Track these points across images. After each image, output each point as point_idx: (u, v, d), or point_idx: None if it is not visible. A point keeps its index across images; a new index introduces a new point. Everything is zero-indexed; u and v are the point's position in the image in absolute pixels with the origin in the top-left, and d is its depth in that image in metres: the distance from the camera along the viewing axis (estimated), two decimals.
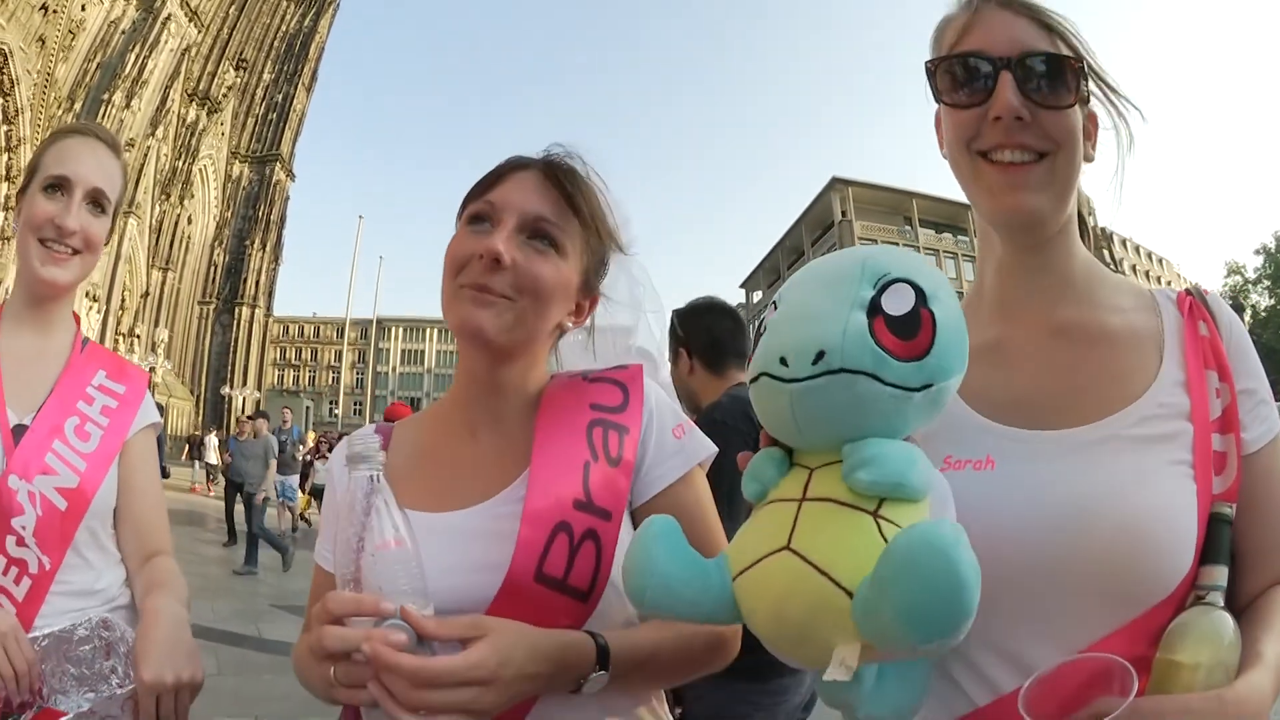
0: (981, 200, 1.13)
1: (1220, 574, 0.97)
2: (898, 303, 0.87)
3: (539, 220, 1.17)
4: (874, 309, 0.86)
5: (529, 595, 1.08)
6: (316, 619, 0.99)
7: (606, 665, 1.06)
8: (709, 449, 1.28)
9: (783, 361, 0.87)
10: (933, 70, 1.15)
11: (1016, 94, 1.06)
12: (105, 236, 1.65)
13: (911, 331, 0.86)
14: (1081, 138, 1.10)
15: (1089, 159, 1.14)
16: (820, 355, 0.85)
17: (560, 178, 1.19)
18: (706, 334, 2.95)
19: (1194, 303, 1.13)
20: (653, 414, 1.24)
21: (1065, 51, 1.09)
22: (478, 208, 1.19)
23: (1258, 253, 52.48)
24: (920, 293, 0.88)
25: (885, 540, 0.80)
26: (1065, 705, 0.88)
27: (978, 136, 1.10)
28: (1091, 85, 1.11)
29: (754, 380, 0.92)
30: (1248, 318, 47.40)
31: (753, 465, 0.97)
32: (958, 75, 1.12)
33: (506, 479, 1.19)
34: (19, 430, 1.52)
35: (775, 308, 0.94)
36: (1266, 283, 51.52)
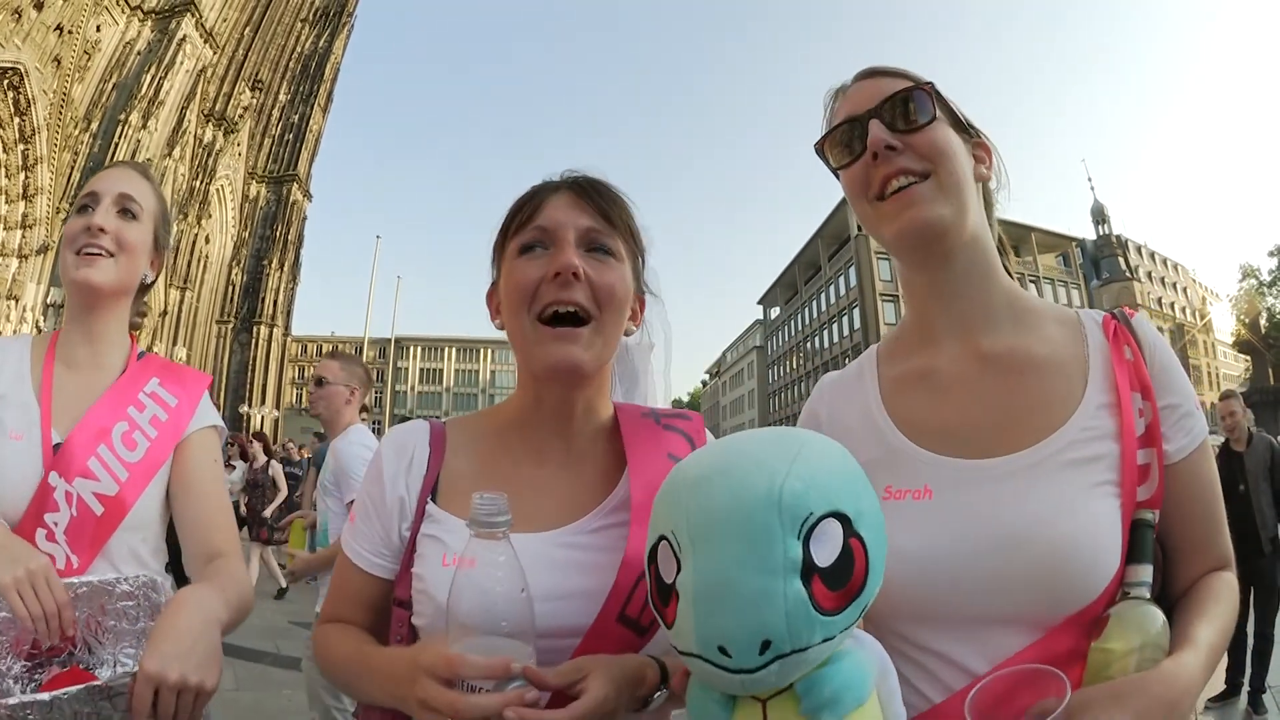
0: (885, 231, 1.22)
1: (1145, 572, 1.06)
2: (828, 548, 0.84)
3: (591, 232, 1.21)
4: (807, 569, 0.82)
5: (610, 633, 1.13)
6: (429, 673, 0.98)
7: (667, 684, 1.12)
8: None
9: (723, 651, 0.83)
10: (821, 148, 1.30)
11: (883, 130, 1.20)
12: (143, 244, 1.69)
13: (846, 574, 0.84)
14: (958, 153, 1.21)
15: (982, 178, 1.26)
16: (766, 644, 0.81)
17: (592, 191, 1.24)
18: None
19: (1119, 327, 1.21)
20: None
21: (904, 87, 1.22)
22: (529, 237, 1.21)
23: (1272, 254, 51.69)
24: (845, 521, 0.85)
25: None
26: (1008, 710, 0.96)
27: (869, 183, 1.22)
28: (954, 110, 1.25)
29: (688, 656, 0.87)
30: (1264, 319, 46.54)
31: (698, 708, 0.94)
32: (839, 140, 1.26)
33: (579, 508, 1.23)
34: (57, 449, 1.53)
35: (678, 557, 0.88)
36: None
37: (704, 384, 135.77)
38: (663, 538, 0.91)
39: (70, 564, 1.47)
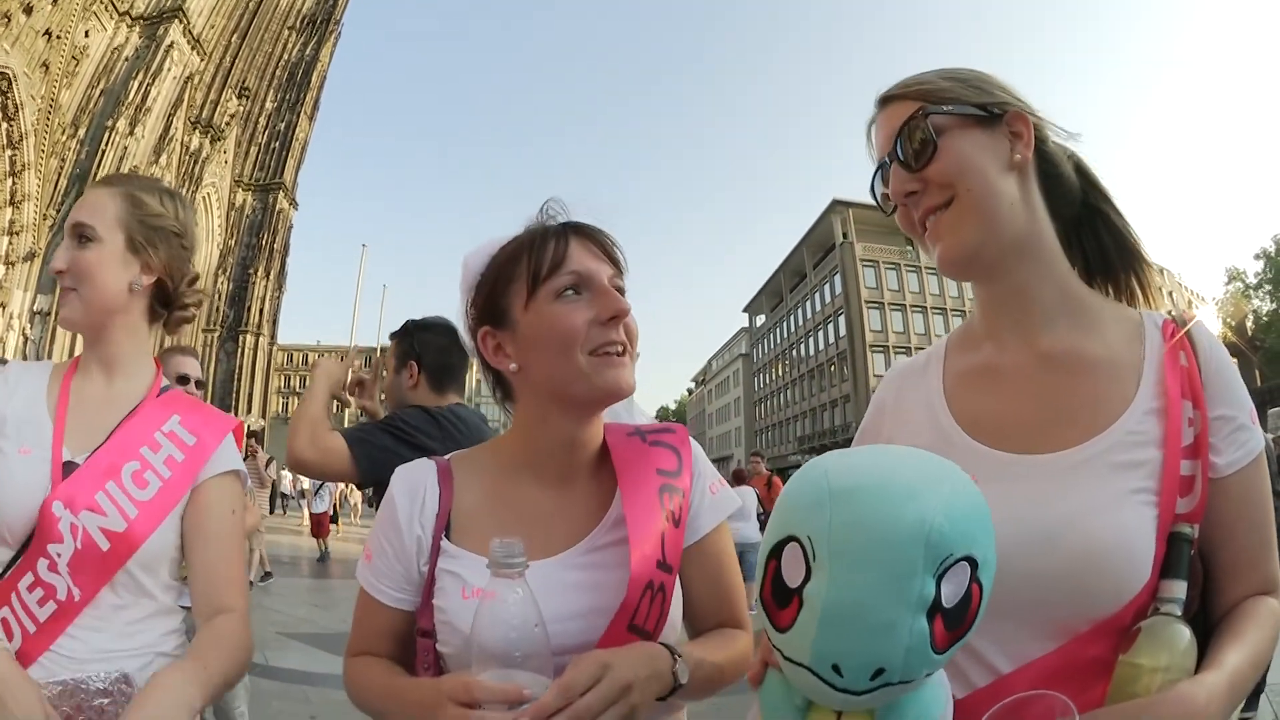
0: (933, 258, 1.24)
1: (1179, 588, 1.05)
2: (955, 589, 0.84)
3: (615, 278, 1.31)
4: (934, 607, 0.83)
5: (620, 641, 1.20)
6: (450, 698, 1.07)
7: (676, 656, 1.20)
8: (734, 503, 1.43)
9: (835, 670, 0.84)
10: (873, 193, 1.31)
11: (900, 176, 1.22)
12: (107, 260, 1.60)
13: (963, 617, 0.86)
14: (973, 163, 1.18)
15: (1018, 166, 1.20)
16: (879, 672, 0.83)
17: (602, 240, 1.33)
18: (440, 355, 3.00)
19: (1176, 331, 1.19)
20: (697, 475, 1.39)
21: (910, 111, 1.20)
22: (567, 280, 1.27)
23: (1258, 257, 52.45)
24: (974, 564, 0.86)
25: None
26: None
27: (911, 223, 1.24)
28: (960, 109, 1.20)
29: (794, 664, 0.89)
30: (1250, 322, 47.26)
31: (774, 707, 0.99)
32: (879, 183, 1.28)
33: (582, 529, 1.31)
34: (69, 467, 1.49)
35: (809, 564, 0.88)
36: (1268, 287, 51.28)
37: (689, 392, 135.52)
38: (793, 539, 0.89)
39: (71, 595, 1.43)
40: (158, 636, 1.52)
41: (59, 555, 1.43)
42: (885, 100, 1.26)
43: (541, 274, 1.27)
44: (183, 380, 3.71)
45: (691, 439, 1.44)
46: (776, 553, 0.91)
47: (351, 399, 3.01)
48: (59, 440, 1.51)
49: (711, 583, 1.38)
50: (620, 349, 1.26)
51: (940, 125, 1.18)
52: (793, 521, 0.91)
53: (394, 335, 3.10)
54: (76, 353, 1.70)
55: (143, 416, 1.60)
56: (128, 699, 1.37)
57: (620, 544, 1.26)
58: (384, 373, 3.11)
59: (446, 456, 1.42)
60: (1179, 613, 1.03)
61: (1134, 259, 1.32)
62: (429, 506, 1.33)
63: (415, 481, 1.36)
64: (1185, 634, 1.01)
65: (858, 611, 0.83)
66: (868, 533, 0.84)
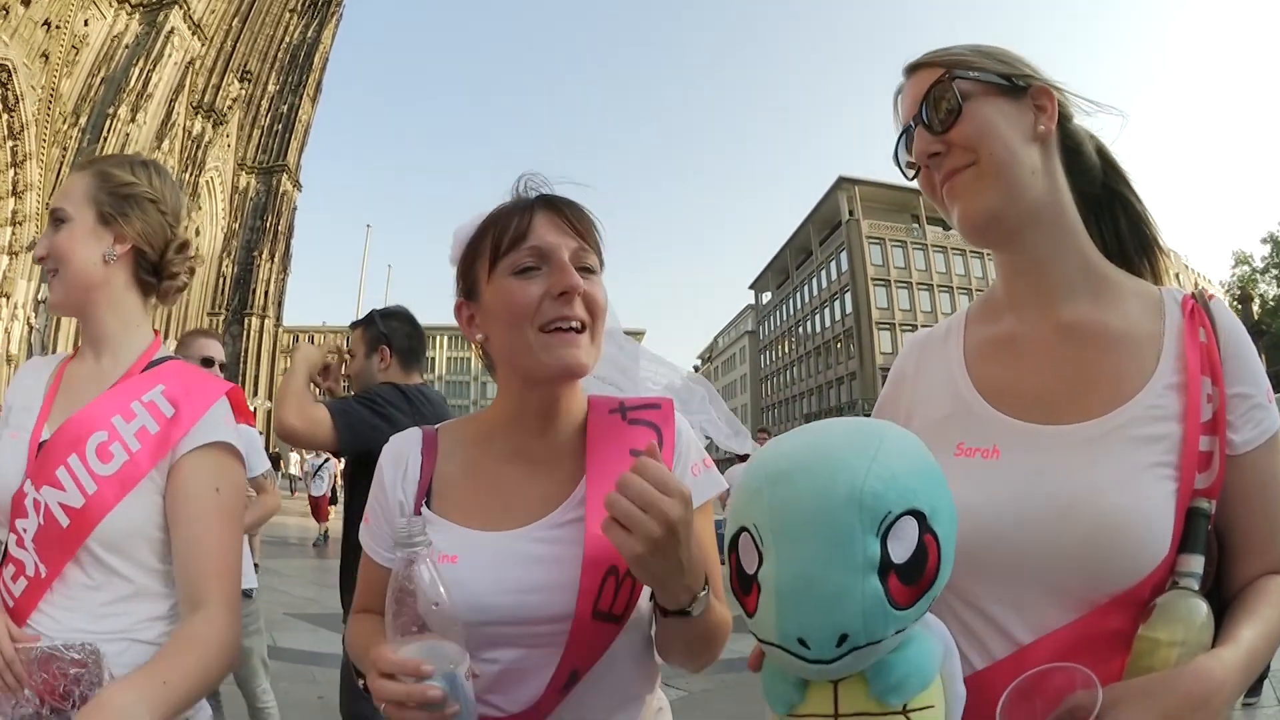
0: (953, 222, 1.24)
1: (1196, 563, 1.05)
2: (903, 546, 0.88)
3: (579, 252, 1.29)
4: (884, 566, 0.86)
5: (590, 630, 1.21)
6: (373, 666, 1.10)
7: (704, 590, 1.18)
8: (720, 486, 1.40)
9: (802, 643, 0.88)
10: (897, 160, 1.33)
11: (924, 138, 1.23)
12: (79, 237, 1.59)
13: (920, 570, 0.88)
14: (997, 128, 1.19)
15: (1042, 137, 1.22)
16: (843, 638, 0.86)
17: (570, 214, 1.31)
18: (407, 339, 3.35)
19: (1196, 307, 1.19)
20: (680, 454, 1.37)
21: (937, 76, 1.23)
22: (525, 259, 1.27)
23: (1265, 241, 52.01)
24: (921, 518, 0.89)
25: None
26: (1039, 709, 0.95)
27: (934, 186, 1.25)
28: (985, 76, 1.22)
29: (768, 644, 0.93)
30: (1256, 307, 46.97)
31: (773, 686, 1.01)
32: (904, 149, 1.30)
33: (549, 504, 1.30)
34: (44, 446, 1.50)
35: (760, 550, 0.93)
36: (1275, 271, 51.04)
37: (695, 369, 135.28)
38: (744, 529, 0.95)
39: (39, 572, 1.43)
40: (135, 622, 1.46)
41: (24, 531, 1.44)
42: (913, 69, 1.28)
43: (501, 249, 1.28)
44: (206, 363, 3.88)
45: (679, 414, 1.41)
46: (734, 545, 0.97)
47: (319, 380, 3.20)
48: (40, 420, 1.53)
49: None
50: (577, 325, 1.25)
51: (966, 91, 1.20)
52: (740, 514, 0.96)
53: (360, 324, 3.39)
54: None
55: (121, 388, 1.56)
56: (99, 681, 1.35)
57: (581, 523, 1.26)
58: (348, 358, 3.30)
59: (435, 426, 1.45)
60: (1196, 587, 1.04)
61: (1150, 245, 1.34)
62: (410, 473, 1.36)
63: (401, 449, 1.40)
64: (1203, 609, 1.02)
65: (807, 584, 0.87)
66: (802, 508, 0.89)
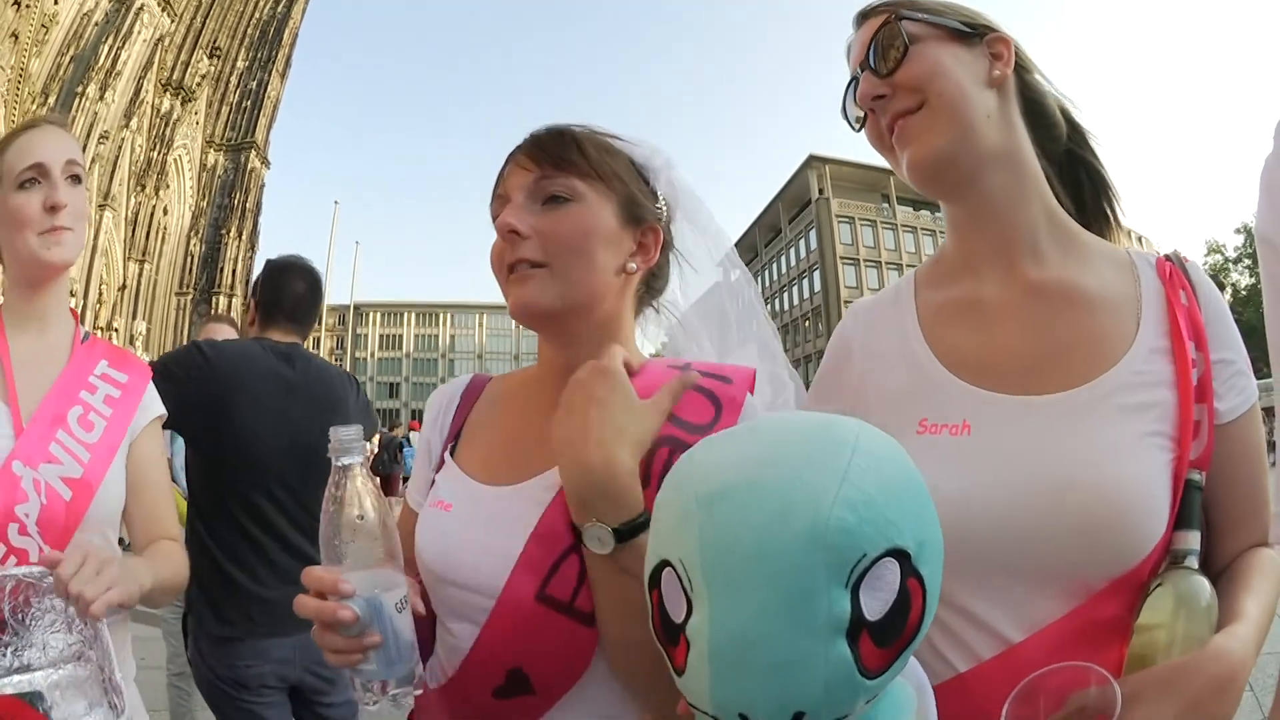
0: (904, 175, 1.17)
1: (1194, 539, 0.99)
2: (881, 598, 0.66)
3: (540, 181, 1.14)
4: (855, 625, 0.64)
5: (530, 614, 1.01)
6: (308, 583, 0.98)
7: (623, 540, 0.96)
8: None
9: (744, 718, 0.66)
10: (845, 114, 1.25)
11: (870, 81, 1.15)
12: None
13: (900, 625, 0.67)
14: (949, 70, 1.11)
15: (997, 82, 1.14)
16: (799, 716, 0.64)
17: (543, 142, 1.17)
18: (273, 291, 2.96)
19: (1174, 270, 1.12)
20: None
21: (884, 18, 1.16)
22: (493, 209, 1.19)
23: (1238, 231, 52.30)
24: (904, 558, 0.67)
25: None
26: (1043, 710, 0.86)
27: (881, 135, 1.18)
28: (935, 18, 1.15)
29: (700, 713, 0.70)
30: (1228, 296, 47.86)
31: None
32: (850, 102, 1.22)
33: (538, 466, 1.11)
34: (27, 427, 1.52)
35: (688, 595, 0.70)
36: (1247, 261, 51.20)
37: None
38: (666, 564, 0.72)
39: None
40: None
41: (27, 515, 1.41)
42: (863, 16, 1.21)
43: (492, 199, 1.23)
44: None
45: (751, 400, 1.13)
46: (655, 581, 0.74)
47: None
48: (13, 393, 1.50)
49: None
50: (525, 265, 1.11)
51: (914, 33, 1.13)
52: (660, 541, 0.74)
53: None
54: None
55: (75, 364, 1.61)
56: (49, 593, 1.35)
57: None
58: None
59: (490, 375, 1.38)
60: (1196, 565, 0.98)
61: (1105, 220, 1.28)
62: (443, 421, 1.31)
63: (443, 398, 1.35)
64: (1207, 587, 0.96)
65: (750, 649, 0.64)
66: (744, 546, 0.66)
